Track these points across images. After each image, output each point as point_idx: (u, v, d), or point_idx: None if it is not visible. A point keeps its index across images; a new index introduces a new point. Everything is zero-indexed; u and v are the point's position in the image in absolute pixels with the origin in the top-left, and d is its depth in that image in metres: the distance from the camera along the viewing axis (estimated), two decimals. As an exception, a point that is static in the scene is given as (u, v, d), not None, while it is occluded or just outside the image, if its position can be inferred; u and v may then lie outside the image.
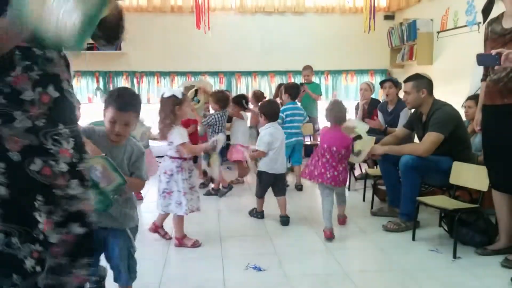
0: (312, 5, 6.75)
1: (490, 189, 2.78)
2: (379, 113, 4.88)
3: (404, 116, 4.23)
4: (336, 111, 3.22)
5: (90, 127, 1.94)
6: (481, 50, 2.77)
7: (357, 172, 5.09)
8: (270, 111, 3.56)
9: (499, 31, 2.61)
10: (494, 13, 2.73)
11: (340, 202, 3.41)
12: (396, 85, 4.65)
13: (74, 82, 6.64)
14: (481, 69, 2.90)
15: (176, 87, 6.10)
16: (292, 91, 4.65)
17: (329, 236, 3.13)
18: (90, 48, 6.35)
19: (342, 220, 3.46)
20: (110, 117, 1.87)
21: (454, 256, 2.75)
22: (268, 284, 2.46)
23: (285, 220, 3.49)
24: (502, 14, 2.64)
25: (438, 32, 5.63)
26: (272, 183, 3.56)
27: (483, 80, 2.85)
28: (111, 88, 6.37)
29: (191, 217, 3.11)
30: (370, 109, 5.27)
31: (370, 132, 4.74)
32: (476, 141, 3.55)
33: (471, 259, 2.73)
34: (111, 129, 1.88)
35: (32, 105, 1.25)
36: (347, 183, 3.65)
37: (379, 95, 6.56)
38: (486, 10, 2.75)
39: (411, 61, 6.09)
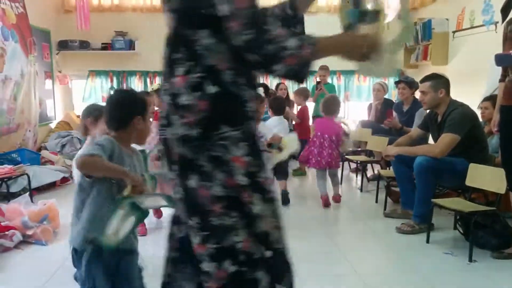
0: (325, 4, 6.71)
1: (507, 191, 2.73)
2: (394, 114, 4.83)
3: (419, 116, 4.18)
4: (331, 104, 3.97)
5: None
6: (498, 50, 2.72)
7: (369, 173, 5.04)
8: (273, 106, 4.07)
9: (519, 30, 2.56)
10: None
11: (334, 183, 3.99)
12: (411, 85, 4.59)
13: (89, 82, 6.76)
14: (498, 70, 2.85)
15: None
16: (266, 91, 5.27)
17: (326, 200, 3.83)
18: (105, 48, 6.43)
19: (338, 198, 3.95)
20: (139, 122, 1.74)
21: (470, 260, 2.70)
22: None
23: (284, 195, 3.87)
24: (521, 13, 2.60)
25: (454, 32, 5.54)
26: (273, 167, 3.83)
27: (501, 80, 2.79)
28: (124, 87, 6.41)
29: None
30: (383, 109, 5.22)
31: (385, 132, 4.72)
32: (493, 142, 3.48)
33: (487, 263, 2.69)
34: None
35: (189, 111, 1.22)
36: (340, 166, 4.32)
37: (392, 95, 6.49)
38: (506, 9, 2.70)
39: (426, 61, 6.00)
